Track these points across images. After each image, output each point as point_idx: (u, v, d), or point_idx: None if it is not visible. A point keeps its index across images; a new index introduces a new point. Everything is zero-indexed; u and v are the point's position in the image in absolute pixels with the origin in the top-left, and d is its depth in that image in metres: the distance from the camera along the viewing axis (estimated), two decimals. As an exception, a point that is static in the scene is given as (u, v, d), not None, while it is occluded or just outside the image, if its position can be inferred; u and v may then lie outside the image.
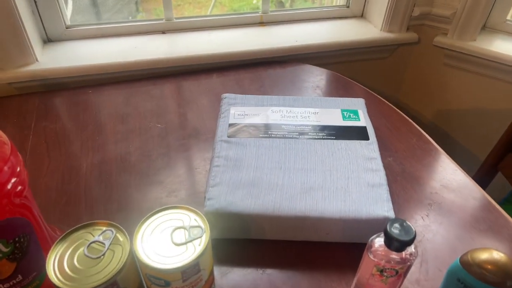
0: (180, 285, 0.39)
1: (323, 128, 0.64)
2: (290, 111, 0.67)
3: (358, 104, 0.70)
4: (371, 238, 0.42)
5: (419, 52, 1.14)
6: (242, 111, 0.67)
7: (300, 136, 0.62)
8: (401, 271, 0.41)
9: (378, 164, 0.58)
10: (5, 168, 0.36)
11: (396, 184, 0.64)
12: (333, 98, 0.71)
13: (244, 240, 0.54)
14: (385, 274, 0.41)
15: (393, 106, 0.82)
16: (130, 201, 0.60)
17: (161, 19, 0.99)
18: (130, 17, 1.09)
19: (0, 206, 0.36)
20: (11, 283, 0.40)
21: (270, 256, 0.53)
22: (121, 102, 0.82)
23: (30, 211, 0.40)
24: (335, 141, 0.61)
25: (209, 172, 0.57)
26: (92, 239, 0.39)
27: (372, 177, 0.56)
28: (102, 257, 0.38)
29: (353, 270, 0.51)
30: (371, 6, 1.09)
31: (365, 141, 0.61)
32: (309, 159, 0.58)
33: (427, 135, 0.75)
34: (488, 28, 1.07)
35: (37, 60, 0.85)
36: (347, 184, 0.54)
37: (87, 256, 0.38)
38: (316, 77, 0.91)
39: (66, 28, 0.93)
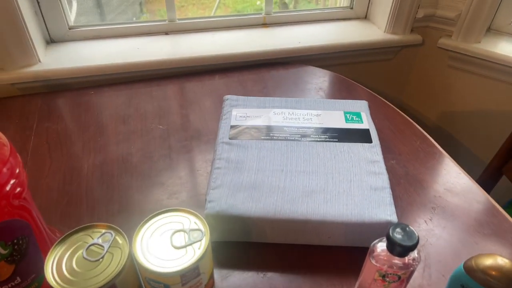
0: (179, 288, 0.39)
1: (326, 130, 0.63)
2: (293, 113, 0.66)
3: (361, 106, 0.69)
4: (373, 243, 0.41)
5: (423, 54, 1.14)
6: (244, 113, 0.66)
7: (302, 139, 0.61)
8: (404, 276, 0.40)
9: (381, 167, 0.57)
10: (4, 169, 0.36)
11: (399, 187, 0.63)
12: (336, 100, 0.70)
13: (245, 243, 0.54)
14: (388, 279, 0.40)
15: (396, 109, 0.82)
16: (131, 202, 0.60)
17: (164, 20, 0.98)
18: (134, 18, 1.09)
19: (-2, 208, 0.35)
20: (9, 285, 0.39)
21: (271, 260, 0.52)
22: (123, 103, 0.82)
23: (29, 213, 0.40)
24: (337, 143, 0.61)
25: (210, 174, 0.56)
26: (91, 241, 0.39)
27: (375, 180, 0.55)
28: (101, 260, 0.38)
29: (355, 274, 0.50)
30: (375, 8, 1.08)
31: (368, 144, 0.61)
32: (311, 161, 0.57)
33: (430, 138, 0.74)
34: (493, 30, 1.06)
35: (39, 61, 0.85)
36: (349, 187, 0.54)
37: (86, 259, 0.38)
38: (319, 79, 0.91)
39: (69, 29, 0.93)
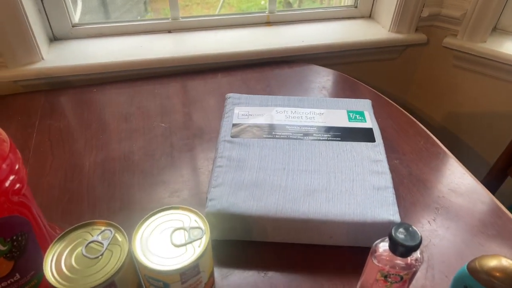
0: (179, 287, 0.39)
1: (328, 129, 0.63)
2: (295, 111, 0.66)
3: (365, 105, 0.69)
4: (375, 243, 0.40)
5: (428, 54, 1.13)
6: (246, 111, 0.66)
7: (305, 137, 0.61)
8: (406, 277, 0.40)
9: (384, 166, 0.57)
10: (4, 165, 0.35)
11: (402, 187, 0.63)
12: (339, 99, 0.70)
13: (246, 242, 0.53)
14: (390, 280, 0.40)
15: (400, 108, 0.81)
16: (132, 200, 0.60)
17: (167, 18, 0.98)
18: (139, 17, 1.09)
19: (-3, 204, 0.35)
20: (8, 281, 0.39)
21: (272, 259, 0.52)
22: (125, 101, 0.82)
23: (29, 209, 0.39)
24: (340, 142, 0.60)
25: (211, 172, 0.56)
26: (90, 238, 0.39)
27: (377, 180, 0.54)
28: (100, 257, 0.37)
29: (357, 274, 0.50)
30: (379, 7, 1.07)
31: (371, 143, 0.60)
32: (313, 160, 0.57)
33: (435, 138, 0.73)
34: (499, 29, 1.05)
35: (43, 59, 0.85)
36: (352, 186, 0.53)
37: (85, 256, 0.37)
38: (322, 78, 0.90)
39: (72, 26, 0.93)
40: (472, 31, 1.00)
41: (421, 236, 0.37)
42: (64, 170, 0.65)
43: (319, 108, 0.67)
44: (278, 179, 0.54)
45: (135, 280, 0.40)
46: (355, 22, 1.09)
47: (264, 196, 0.51)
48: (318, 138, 0.61)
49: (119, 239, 0.39)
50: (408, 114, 0.79)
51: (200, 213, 0.42)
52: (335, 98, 0.70)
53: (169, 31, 0.99)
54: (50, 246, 0.38)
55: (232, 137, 0.61)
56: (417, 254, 0.39)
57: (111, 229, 0.40)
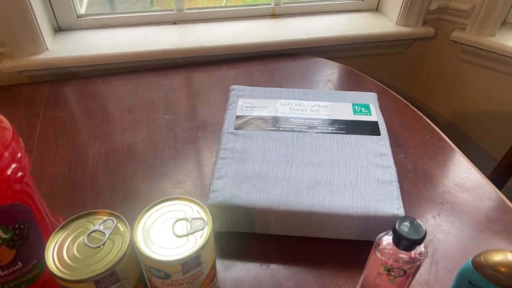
0: (180, 277, 0.39)
1: (333, 122, 0.62)
2: (300, 104, 0.65)
3: (370, 98, 0.68)
4: (379, 236, 0.40)
5: (436, 47, 1.11)
6: (250, 103, 0.65)
7: (309, 130, 0.60)
8: (410, 271, 0.39)
9: (389, 160, 0.56)
10: (6, 153, 0.35)
11: (407, 181, 0.62)
12: (344, 91, 0.69)
13: (249, 234, 0.53)
14: (393, 273, 0.40)
15: (406, 102, 0.80)
16: (135, 191, 0.60)
17: (172, 10, 0.98)
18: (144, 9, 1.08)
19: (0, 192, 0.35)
20: (10, 270, 0.39)
21: (274, 252, 0.52)
22: (129, 92, 0.81)
23: (31, 198, 0.39)
24: (345, 135, 0.59)
25: (214, 164, 0.56)
26: (92, 228, 0.39)
27: (382, 174, 0.54)
28: (101, 246, 0.37)
29: (360, 268, 0.50)
30: (386, -1, 1.06)
31: (376, 137, 0.60)
32: (317, 153, 0.56)
33: (441, 132, 0.72)
34: (508, 23, 1.03)
35: (47, 49, 0.85)
36: (356, 180, 0.53)
37: (87, 245, 0.37)
38: (328, 71, 0.89)
39: (77, 17, 0.92)
40: (481, 24, 0.99)
41: (425, 230, 0.37)
42: (68, 160, 0.65)
43: (324, 101, 0.67)
44: (281, 171, 0.53)
45: (136, 270, 0.40)
46: (362, 15, 1.08)
47: (267, 188, 0.51)
48: (323, 131, 0.60)
49: (121, 229, 0.39)
50: (414, 109, 0.78)
51: (202, 204, 0.41)
52: (340, 91, 0.69)
53: (174, 23, 0.98)
54: (52, 235, 0.38)
55: (235, 129, 0.60)
56: (421, 248, 0.38)
57: (113, 218, 0.39)
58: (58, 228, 0.38)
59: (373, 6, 1.10)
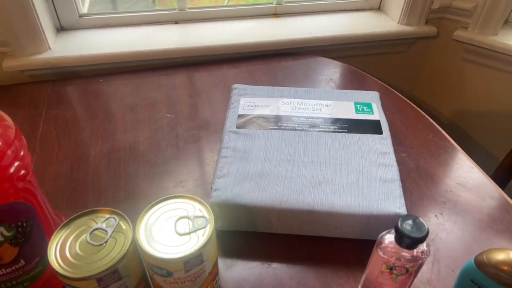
0: (182, 275, 0.39)
1: (335, 121, 0.62)
2: (302, 103, 0.65)
3: (372, 97, 0.68)
4: (381, 234, 0.40)
5: (438, 47, 1.11)
6: (252, 102, 0.65)
7: (311, 129, 0.60)
8: (412, 269, 0.39)
9: (391, 159, 0.56)
10: (9, 152, 0.35)
11: (409, 180, 0.62)
12: (346, 90, 0.69)
13: (251, 233, 0.53)
14: (395, 272, 0.39)
15: (409, 101, 0.80)
16: (137, 190, 0.60)
17: (174, 9, 0.98)
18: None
19: (2, 190, 0.35)
20: (13, 267, 0.39)
21: (276, 250, 0.52)
22: (131, 91, 0.81)
23: (34, 196, 0.40)
24: (347, 134, 0.59)
25: (216, 163, 0.56)
26: (95, 226, 0.39)
27: (384, 172, 0.54)
28: (104, 244, 0.37)
29: (362, 267, 0.50)
30: (388, -1, 1.06)
31: (378, 135, 0.60)
32: (319, 152, 0.56)
33: (443, 131, 0.72)
34: (510, 22, 1.03)
35: (49, 48, 0.85)
36: (358, 178, 0.53)
37: (89, 243, 0.37)
38: (330, 70, 0.89)
39: (80, 16, 0.93)
40: (483, 23, 0.98)
41: (427, 228, 0.37)
42: (70, 159, 0.65)
43: (326, 99, 0.66)
44: (283, 170, 0.53)
45: (139, 268, 0.40)
46: (364, 14, 1.08)
47: (269, 187, 0.51)
48: (325, 129, 0.60)
49: (123, 227, 0.39)
50: (417, 108, 0.78)
51: (204, 202, 0.41)
52: (342, 90, 0.69)
53: (176, 22, 0.99)
54: (54, 233, 0.38)
55: (237, 127, 0.60)
56: (423, 247, 0.38)
57: (116, 217, 0.40)
58: (60, 226, 0.38)
59: (375, 5, 1.09)
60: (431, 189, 0.61)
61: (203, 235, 0.38)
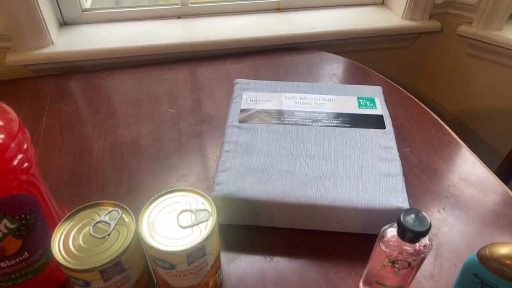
0: (185, 268, 0.39)
1: (338, 115, 0.62)
2: (304, 97, 0.65)
3: (375, 92, 0.67)
4: (383, 228, 0.40)
5: (442, 42, 1.10)
6: (255, 96, 0.65)
7: (314, 123, 0.60)
8: (414, 263, 0.39)
9: (394, 153, 0.56)
10: (12, 144, 0.35)
11: (412, 175, 0.62)
12: (349, 85, 0.69)
13: (253, 227, 0.53)
14: (397, 265, 0.39)
15: (412, 96, 0.80)
16: (140, 184, 0.60)
17: (177, 4, 0.97)
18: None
19: (6, 182, 0.35)
20: (17, 259, 0.40)
21: (278, 244, 0.52)
22: (134, 86, 0.81)
23: (37, 188, 0.40)
24: (349, 129, 0.59)
25: (219, 157, 0.56)
26: (98, 218, 0.39)
27: (387, 167, 0.54)
28: (107, 237, 0.38)
29: (364, 261, 0.50)
30: (392, -7, 1.05)
31: (381, 130, 0.59)
32: (322, 146, 0.56)
33: (446, 126, 0.72)
34: (516, 17, 1.02)
35: (52, 43, 0.85)
36: (360, 173, 0.53)
37: (92, 236, 0.38)
38: (332, 65, 0.89)
39: (82, 11, 0.93)
40: (488, 18, 0.98)
41: (430, 222, 0.37)
42: (73, 153, 0.65)
43: (328, 94, 0.66)
44: (285, 164, 0.53)
45: (142, 260, 0.40)
46: (367, 9, 1.07)
47: (272, 181, 0.51)
48: (327, 124, 0.60)
49: (126, 219, 0.39)
50: (420, 103, 0.78)
51: (207, 196, 0.42)
52: (345, 85, 0.69)
53: (179, 17, 0.98)
54: (58, 225, 0.38)
55: (240, 122, 0.60)
56: (425, 240, 0.38)
57: (118, 209, 0.40)
58: (64, 218, 0.38)
59: (378, 0, 1.09)
60: (434, 184, 0.61)
61: (205, 228, 0.39)
